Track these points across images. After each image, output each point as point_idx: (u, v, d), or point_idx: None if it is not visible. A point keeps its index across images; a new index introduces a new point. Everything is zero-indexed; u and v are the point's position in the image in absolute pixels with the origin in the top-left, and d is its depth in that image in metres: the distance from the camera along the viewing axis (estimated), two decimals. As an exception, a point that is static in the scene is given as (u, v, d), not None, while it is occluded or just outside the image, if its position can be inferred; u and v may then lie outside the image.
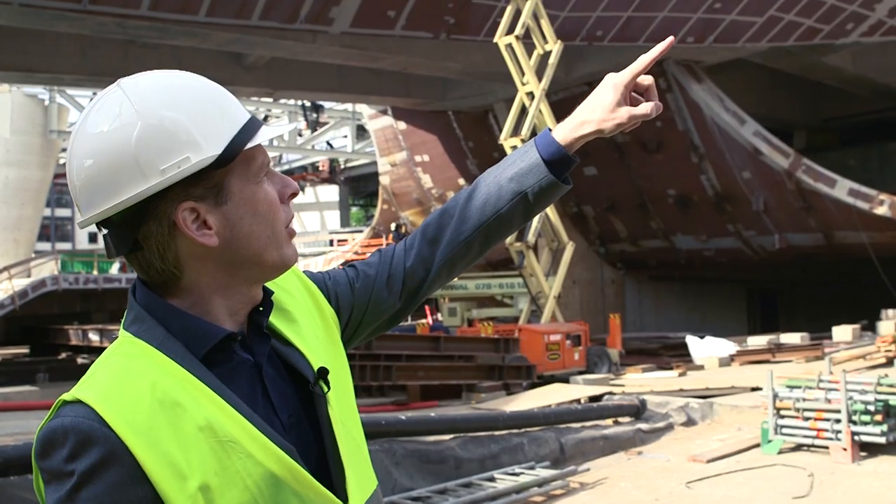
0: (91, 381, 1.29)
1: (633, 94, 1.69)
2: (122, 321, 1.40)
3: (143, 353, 1.32)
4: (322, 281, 1.67)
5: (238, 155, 1.34)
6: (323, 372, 1.47)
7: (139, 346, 1.33)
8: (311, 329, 1.55)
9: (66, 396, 1.27)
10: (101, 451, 1.21)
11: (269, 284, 1.48)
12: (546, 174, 1.64)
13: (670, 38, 1.74)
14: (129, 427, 1.22)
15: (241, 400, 1.33)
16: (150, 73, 1.40)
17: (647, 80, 1.66)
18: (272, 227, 1.40)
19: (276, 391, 1.42)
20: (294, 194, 1.46)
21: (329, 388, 1.48)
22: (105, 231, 1.37)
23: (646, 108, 1.65)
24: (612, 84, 1.66)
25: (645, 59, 1.67)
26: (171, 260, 1.35)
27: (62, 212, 69.30)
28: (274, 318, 1.49)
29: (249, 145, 1.35)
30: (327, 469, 1.42)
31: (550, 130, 1.69)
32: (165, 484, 1.23)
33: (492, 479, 9.42)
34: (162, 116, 1.31)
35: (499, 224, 1.68)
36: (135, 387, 1.27)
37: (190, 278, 1.37)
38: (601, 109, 1.65)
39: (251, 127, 1.38)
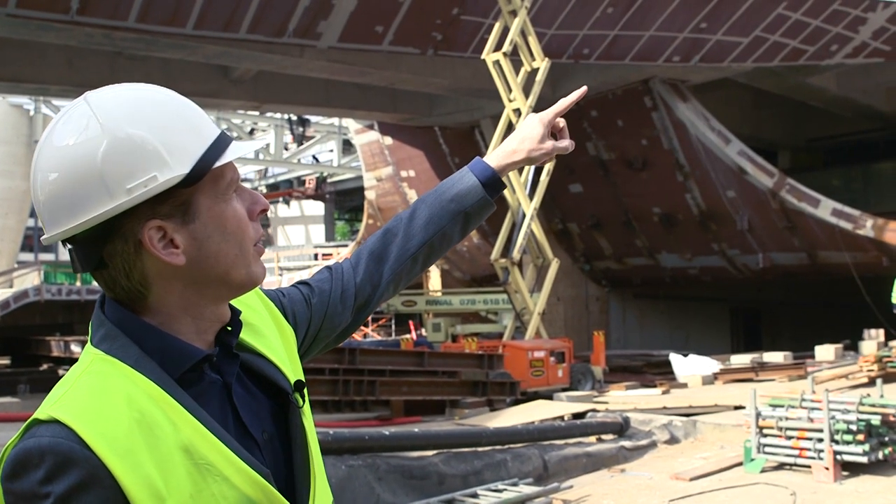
0: (66, 400, 1.25)
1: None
2: (90, 337, 1.36)
3: (118, 373, 1.29)
4: (277, 298, 1.68)
5: (206, 173, 1.33)
6: (300, 385, 1.49)
7: (113, 364, 1.31)
8: (276, 343, 1.56)
9: (40, 415, 1.23)
10: (81, 473, 1.18)
11: (232, 301, 1.48)
12: (483, 195, 1.85)
13: (584, 88, 1.98)
14: (109, 449, 1.20)
15: (215, 421, 1.32)
16: (117, 86, 1.38)
17: (561, 122, 1.93)
18: (240, 246, 1.39)
19: (246, 410, 1.41)
20: (263, 211, 1.45)
21: (304, 401, 1.49)
22: (70, 246, 1.35)
23: (566, 143, 1.92)
24: (538, 120, 1.91)
25: (564, 103, 1.94)
26: (137, 278, 1.34)
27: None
28: (243, 333, 1.48)
29: (218, 163, 1.34)
30: (294, 485, 1.43)
31: (481, 158, 1.90)
32: None
33: (475, 496, 9.40)
34: (128, 133, 1.29)
35: (441, 239, 1.84)
36: (113, 407, 1.24)
37: (157, 297, 1.35)
38: (530, 141, 1.89)
39: (220, 144, 1.36)
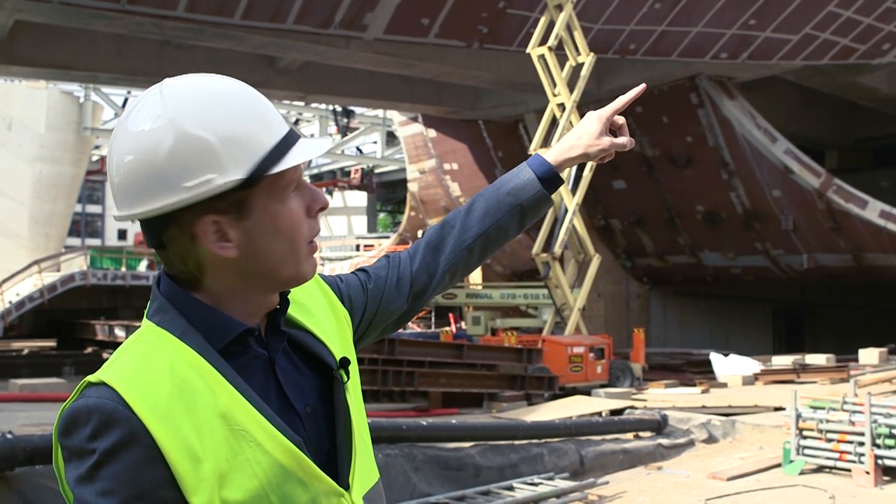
0: (115, 365, 1.34)
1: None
2: (146, 310, 1.44)
3: (165, 342, 1.37)
4: (335, 283, 1.73)
5: (262, 180, 1.37)
6: (345, 362, 1.54)
7: (161, 334, 1.38)
8: (327, 322, 1.62)
9: (91, 378, 1.32)
10: (122, 431, 1.26)
11: None
12: (540, 189, 1.87)
13: (643, 86, 1.99)
14: (149, 410, 1.27)
15: (255, 392, 1.39)
16: (193, 78, 1.42)
17: (620, 119, 1.94)
18: (291, 245, 1.43)
19: (290, 384, 1.47)
20: (322, 208, 1.49)
21: (349, 377, 1.54)
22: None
23: (624, 140, 1.93)
24: (596, 117, 1.92)
25: (623, 100, 1.95)
26: (192, 264, 1.41)
27: (93, 208, 69.94)
28: (293, 311, 1.55)
29: (275, 170, 1.37)
30: (336, 458, 1.48)
31: (540, 154, 1.93)
32: (181, 466, 1.27)
33: (510, 488, 9.42)
34: (192, 134, 1.34)
35: (497, 232, 1.87)
36: (156, 372, 1.32)
37: (210, 281, 1.42)
38: (588, 136, 1.91)
39: (283, 147, 1.40)
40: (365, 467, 1.54)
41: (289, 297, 1.53)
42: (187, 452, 1.28)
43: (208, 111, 1.36)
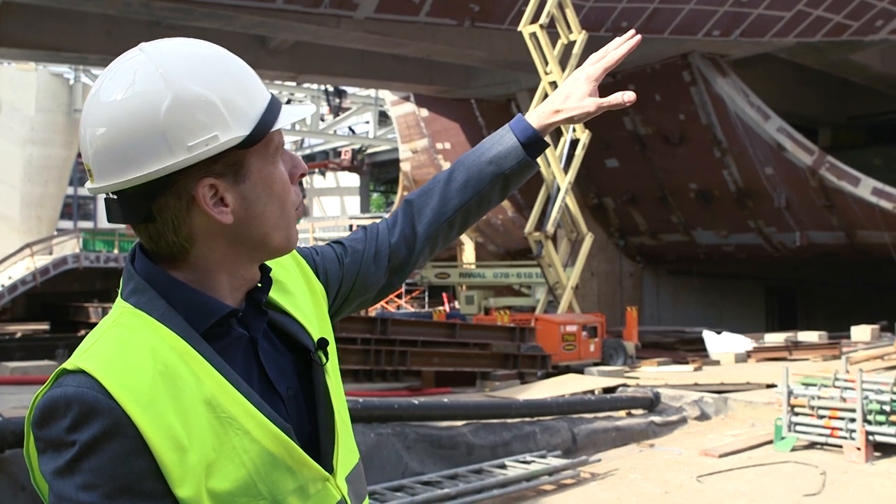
0: (93, 351, 1.27)
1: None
2: (120, 290, 1.38)
3: (144, 325, 1.31)
4: (310, 256, 1.68)
5: (264, 136, 1.34)
6: (323, 343, 1.49)
7: (140, 317, 1.32)
8: (304, 301, 1.57)
9: (67, 365, 1.25)
10: (104, 422, 1.20)
11: None
12: (523, 156, 1.77)
13: (638, 37, 1.86)
14: (132, 399, 1.21)
15: (238, 375, 1.34)
16: (173, 40, 1.37)
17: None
18: (283, 208, 1.40)
19: (272, 365, 1.42)
20: (304, 174, 1.46)
21: (327, 359, 1.50)
22: (110, 196, 1.35)
23: (617, 96, 1.79)
24: (584, 76, 1.82)
25: (615, 56, 1.83)
26: (185, 234, 1.34)
27: (84, 190, 69.72)
28: (271, 291, 1.49)
29: (275, 127, 1.36)
30: (317, 441, 1.44)
31: (523, 116, 1.81)
32: (167, 456, 1.22)
33: (503, 467, 9.44)
34: (193, 91, 1.29)
35: (479, 203, 1.80)
36: (137, 358, 1.26)
37: (199, 253, 1.36)
38: (573, 99, 1.80)
39: (274, 108, 1.37)
40: (346, 448, 1.50)
41: (271, 276, 1.48)
42: (173, 442, 1.23)
43: (203, 70, 1.32)
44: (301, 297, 1.57)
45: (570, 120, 1.81)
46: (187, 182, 1.31)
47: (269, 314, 1.46)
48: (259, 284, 1.45)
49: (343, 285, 1.71)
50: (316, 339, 1.50)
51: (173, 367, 1.27)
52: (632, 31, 1.86)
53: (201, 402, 1.27)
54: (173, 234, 1.34)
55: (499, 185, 1.79)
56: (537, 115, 1.81)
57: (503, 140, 1.79)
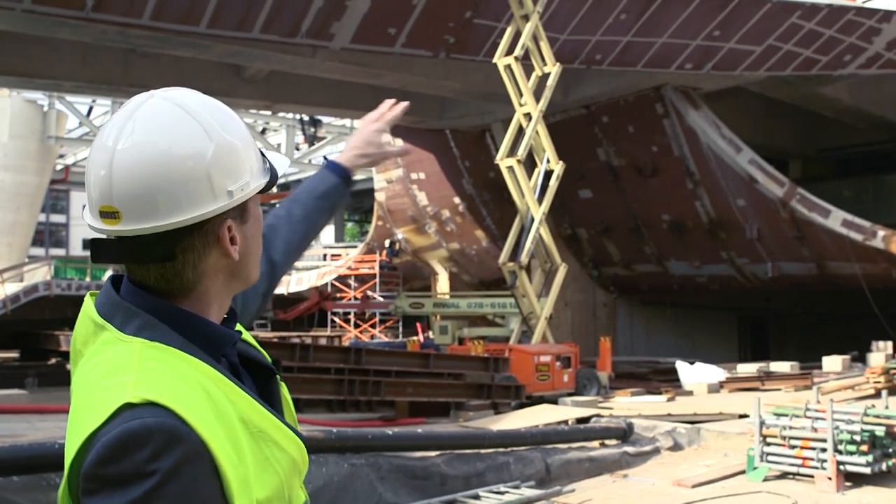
0: (147, 385, 1.30)
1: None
2: (119, 328, 1.40)
3: (174, 356, 1.37)
4: None
5: (276, 183, 1.54)
6: (277, 363, 1.65)
7: (164, 349, 1.37)
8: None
9: (131, 399, 1.27)
10: (186, 448, 1.26)
11: None
12: (344, 191, 2.26)
13: (407, 103, 2.42)
14: (202, 425, 1.29)
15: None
16: (188, 91, 1.49)
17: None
18: (261, 246, 1.59)
19: (248, 386, 1.52)
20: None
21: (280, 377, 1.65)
22: (112, 238, 1.42)
23: (402, 149, 2.43)
24: (376, 128, 2.35)
25: (395, 113, 2.36)
26: (200, 271, 1.45)
27: (57, 217, 69.19)
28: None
29: (280, 174, 1.57)
30: None
31: (334, 161, 2.29)
32: (231, 474, 1.31)
33: (476, 497, 9.42)
34: (229, 141, 1.43)
35: (315, 229, 2.18)
36: (188, 387, 1.33)
37: (203, 288, 1.47)
38: (373, 146, 2.32)
39: (264, 157, 1.56)
40: None
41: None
42: (231, 462, 1.31)
43: (229, 122, 1.47)
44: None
45: (373, 164, 2.34)
46: (215, 223, 1.43)
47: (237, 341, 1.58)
48: (225, 316, 1.57)
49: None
50: (270, 360, 1.64)
51: (212, 392, 1.36)
52: (404, 104, 2.41)
53: (238, 420, 1.37)
54: (192, 271, 1.44)
55: (327, 213, 2.21)
56: (347, 159, 2.28)
57: (326, 180, 2.23)
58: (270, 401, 1.55)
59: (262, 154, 1.55)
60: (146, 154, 1.37)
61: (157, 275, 1.43)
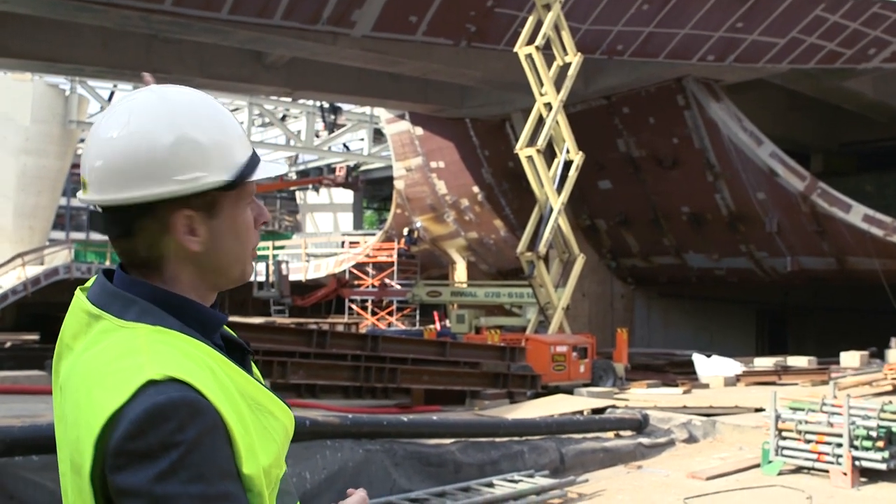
0: (165, 363, 1.40)
1: None
2: (119, 316, 1.49)
3: (177, 338, 1.48)
4: None
5: (241, 184, 1.57)
6: (247, 343, 1.73)
7: (168, 333, 1.48)
8: None
9: (154, 376, 1.37)
10: (207, 420, 1.37)
11: None
12: None
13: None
14: (216, 397, 1.40)
15: None
16: (184, 88, 1.59)
17: None
18: (243, 248, 1.62)
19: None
20: (265, 222, 1.70)
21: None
22: (99, 209, 1.56)
23: None
24: None
25: None
26: (156, 254, 1.54)
27: (78, 202, 69.62)
28: None
29: (253, 178, 1.58)
30: None
31: None
32: (241, 442, 1.42)
33: (490, 485, 9.45)
34: (189, 135, 1.51)
35: None
36: (197, 365, 1.44)
37: (171, 273, 1.56)
38: None
39: (254, 162, 1.60)
40: None
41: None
42: (238, 432, 1.42)
43: (203, 119, 1.54)
44: None
45: None
46: (168, 209, 1.51)
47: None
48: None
49: None
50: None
51: (215, 369, 1.46)
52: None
53: (239, 394, 1.48)
54: (146, 251, 1.54)
55: None
56: None
57: None
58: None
59: (254, 160, 1.60)
60: (114, 133, 1.50)
61: (119, 250, 1.57)
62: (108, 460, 1.34)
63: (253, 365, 1.72)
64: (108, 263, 34.34)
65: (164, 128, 1.49)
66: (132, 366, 1.39)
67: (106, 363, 1.42)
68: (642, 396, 17.79)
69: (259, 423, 1.49)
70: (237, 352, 1.67)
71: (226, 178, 1.53)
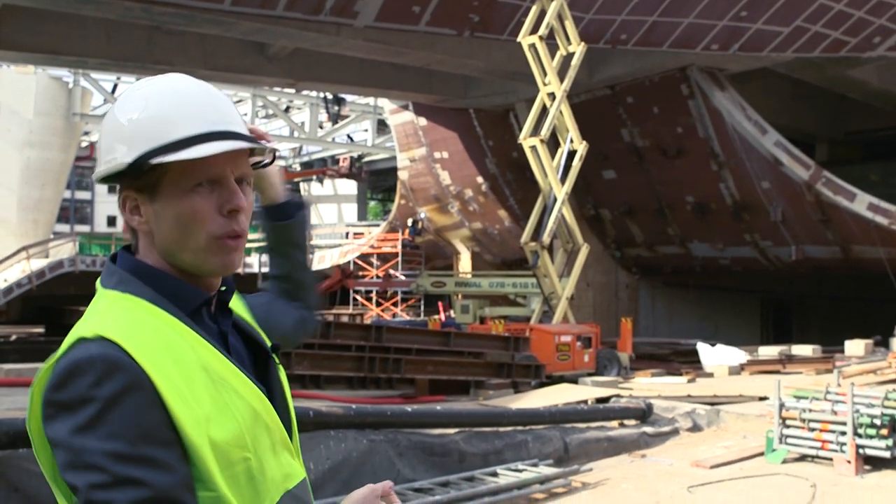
0: (104, 323, 1.45)
1: None
2: (101, 284, 1.58)
3: (138, 307, 1.52)
4: (244, 297, 1.92)
5: (144, 168, 1.53)
6: (276, 348, 1.73)
7: (132, 300, 1.53)
8: (251, 318, 1.81)
9: (85, 333, 1.43)
10: (126, 377, 1.38)
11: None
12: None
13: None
14: (147, 359, 1.41)
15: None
16: (168, 75, 1.63)
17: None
18: (189, 234, 1.56)
19: (237, 357, 1.61)
20: (233, 210, 1.59)
21: (279, 360, 1.73)
22: None
23: None
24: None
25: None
26: (132, 231, 1.62)
27: (82, 194, 69.68)
28: (235, 305, 1.74)
29: (156, 161, 1.52)
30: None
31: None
32: (176, 407, 1.41)
33: (494, 474, 9.46)
34: (116, 118, 1.57)
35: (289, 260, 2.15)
36: (144, 330, 1.47)
37: (143, 250, 1.61)
38: None
39: (188, 143, 1.52)
40: (297, 439, 1.72)
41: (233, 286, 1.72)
42: (180, 397, 1.42)
43: (134, 101, 1.57)
44: (246, 313, 1.81)
45: None
46: (122, 190, 1.59)
47: (234, 315, 1.70)
48: (223, 288, 1.68)
49: (266, 325, 1.87)
50: (270, 344, 1.73)
51: (171, 339, 1.49)
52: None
53: (198, 366, 1.48)
54: (127, 227, 1.63)
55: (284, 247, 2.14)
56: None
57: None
58: (267, 380, 1.66)
59: (182, 144, 1.53)
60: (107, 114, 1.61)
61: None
62: (42, 410, 1.41)
63: (281, 370, 1.73)
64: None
65: (124, 111, 1.56)
66: (80, 325, 1.47)
67: (74, 326, 1.50)
68: (646, 386, 17.79)
69: (220, 397, 1.48)
70: (259, 352, 1.70)
71: (128, 160, 1.53)
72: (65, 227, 59.37)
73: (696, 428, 13.07)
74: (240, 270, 2.09)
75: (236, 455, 1.47)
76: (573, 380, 18.22)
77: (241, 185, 1.62)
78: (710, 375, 20.11)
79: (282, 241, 2.09)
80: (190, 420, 1.42)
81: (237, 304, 1.79)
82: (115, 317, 1.48)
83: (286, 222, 2.07)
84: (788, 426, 10.72)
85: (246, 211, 1.62)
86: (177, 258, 1.59)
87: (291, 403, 1.73)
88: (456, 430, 10.54)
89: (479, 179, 35.26)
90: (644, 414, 12.90)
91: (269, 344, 1.73)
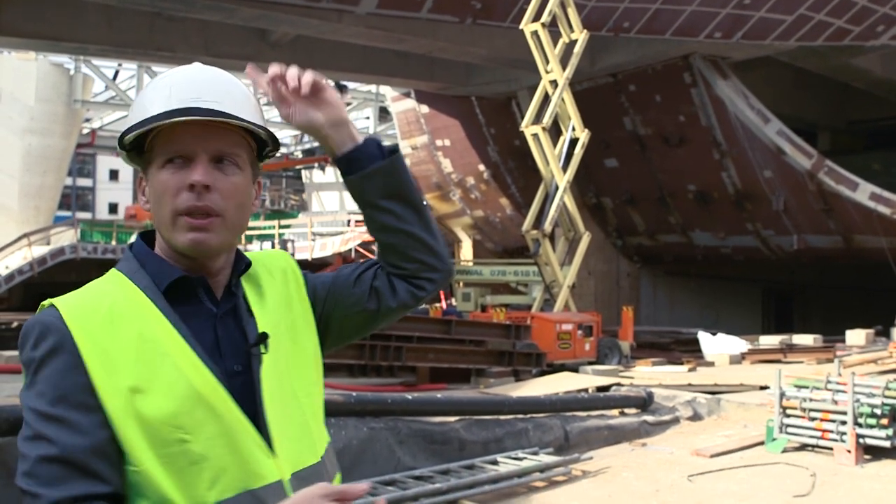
0: (68, 295, 1.60)
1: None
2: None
3: (115, 281, 1.64)
4: (306, 276, 1.90)
5: (126, 139, 1.64)
6: (263, 336, 1.67)
7: (116, 275, 1.66)
8: (274, 306, 1.76)
9: (45, 303, 1.59)
10: (54, 339, 1.50)
11: (253, 261, 1.75)
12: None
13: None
14: (78, 326, 1.51)
15: (189, 333, 1.59)
16: (194, 65, 1.73)
17: None
18: (159, 210, 1.64)
19: (229, 344, 1.63)
20: (191, 185, 1.61)
21: (266, 350, 1.66)
22: None
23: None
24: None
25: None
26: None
27: (83, 181, 69.67)
28: (248, 288, 1.73)
29: (129, 135, 1.63)
30: (260, 424, 1.61)
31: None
32: (97, 374, 1.48)
33: (495, 463, 9.46)
34: (137, 98, 1.69)
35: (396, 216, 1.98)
36: (96, 301, 1.57)
37: (155, 224, 1.69)
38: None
39: (157, 118, 1.59)
40: (298, 444, 1.65)
41: (249, 265, 1.75)
42: (104, 365, 1.49)
43: (149, 85, 1.68)
44: (272, 301, 1.76)
45: None
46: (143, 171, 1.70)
47: (237, 300, 1.70)
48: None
49: (327, 303, 1.88)
50: (260, 332, 1.68)
51: (120, 310, 1.56)
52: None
53: (140, 338, 1.53)
54: (140, 202, 1.73)
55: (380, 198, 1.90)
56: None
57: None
58: (250, 370, 1.64)
59: (169, 115, 1.59)
60: None
61: None
62: None
63: (266, 360, 1.65)
64: (113, 243, 34.41)
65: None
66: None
67: None
68: (647, 374, 17.79)
69: (155, 371, 1.51)
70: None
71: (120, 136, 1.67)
72: (66, 214, 59.36)
73: (696, 417, 13.07)
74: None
75: (169, 434, 1.49)
76: (574, 368, 18.22)
77: (222, 164, 1.62)
78: (711, 364, 20.11)
79: (360, 195, 1.83)
80: (109, 388, 1.48)
81: (288, 285, 1.80)
82: (84, 290, 1.61)
83: (357, 175, 1.82)
84: (789, 415, 10.72)
85: (222, 190, 1.61)
86: (163, 236, 1.67)
87: (281, 399, 1.65)
88: (456, 418, 10.55)
89: (481, 167, 35.22)
90: (645, 403, 12.90)
91: (259, 332, 1.70)
